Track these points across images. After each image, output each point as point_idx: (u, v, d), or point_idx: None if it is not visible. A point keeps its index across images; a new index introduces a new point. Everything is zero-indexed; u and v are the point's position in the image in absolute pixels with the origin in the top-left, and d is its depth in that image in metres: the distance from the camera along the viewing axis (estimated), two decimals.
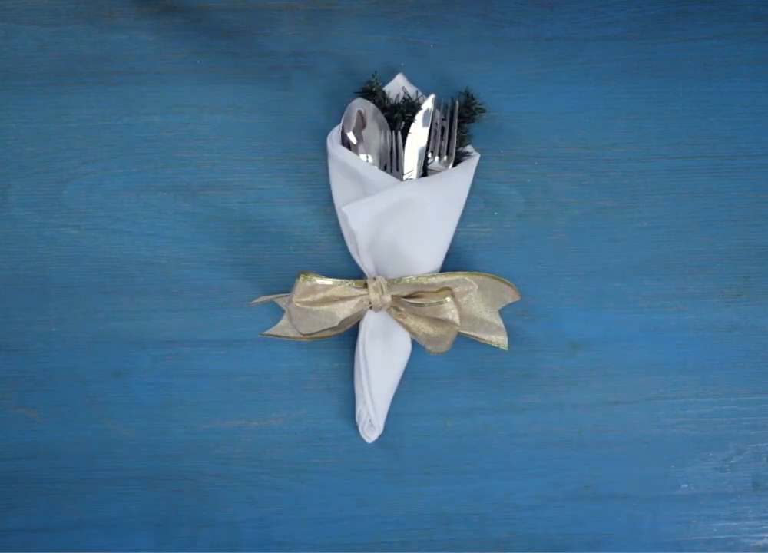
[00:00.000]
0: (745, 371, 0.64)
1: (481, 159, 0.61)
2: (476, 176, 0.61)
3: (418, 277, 0.57)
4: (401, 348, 0.60)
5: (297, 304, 0.56)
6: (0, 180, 0.61)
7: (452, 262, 0.62)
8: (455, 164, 0.59)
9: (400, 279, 0.57)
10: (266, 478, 0.63)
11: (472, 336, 0.60)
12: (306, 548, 0.63)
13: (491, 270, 0.62)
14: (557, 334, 0.63)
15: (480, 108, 0.60)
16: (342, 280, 0.56)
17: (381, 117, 0.58)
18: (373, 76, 0.59)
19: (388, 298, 0.56)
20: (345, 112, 0.57)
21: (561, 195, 0.63)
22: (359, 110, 0.57)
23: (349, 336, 0.61)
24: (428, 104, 0.58)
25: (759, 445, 0.64)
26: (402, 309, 0.57)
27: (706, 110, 0.63)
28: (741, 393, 0.64)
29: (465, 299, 0.58)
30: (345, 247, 0.61)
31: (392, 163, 0.58)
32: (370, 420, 0.60)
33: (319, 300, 0.56)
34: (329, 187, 0.61)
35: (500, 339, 0.60)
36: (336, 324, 0.57)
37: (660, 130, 0.62)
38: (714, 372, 0.64)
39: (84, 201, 0.61)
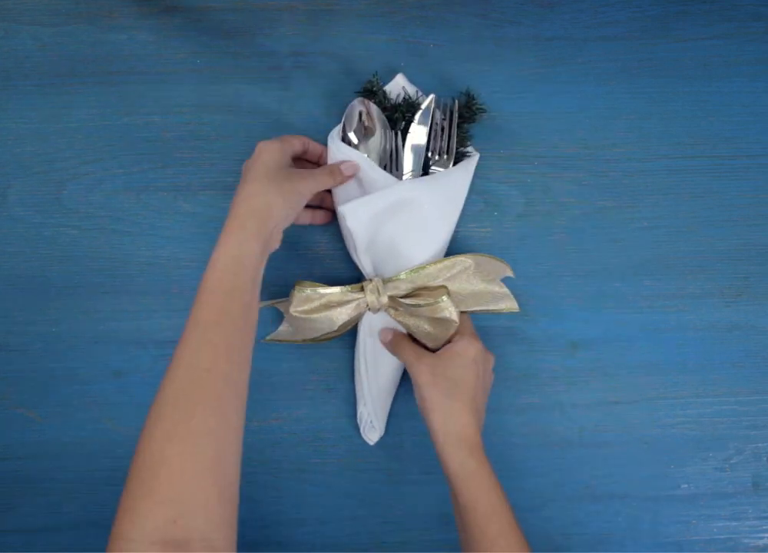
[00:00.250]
0: (745, 371, 0.64)
1: (481, 159, 0.61)
2: (476, 176, 0.61)
3: (413, 269, 0.56)
4: None
5: (294, 313, 0.56)
6: (0, 180, 0.61)
7: None
8: (455, 164, 0.59)
9: (397, 275, 0.56)
10: (266, 478, 0.63)
11: (483, 311, 0.58)
12: (306, 548, 0.63)
13: None
14: (557, 334, 0.63)
15: (480, 108, 0.60)
16: (338, 287, 0.56)
17: (381, 116, 0.58)
18: (374, 76, 0.59)
19: (385, 299, 0.56)
20: (346, 111, 0.57)
21: (561, 195, 0.63)
22: (359, 110, 0.57)
23: (349, 336, 0.61)
24: (427, 103, 0.58)
25: (759, 445, 0.64)
26: (401, 308, 0.56)
27: (706, 110, 0.63)
28: (741, 393, 0.64)
29: (464, 276, 0.58)
30: (345, 247, 0.61)
31: (391, 163, 0.58)
32: (371, 421, 0.60)
33: (316, 308, 0.56)
34: None
35: (510, 304, 0.59)
36: (336, 328, 0.57)
37: (660, 130, 0.62)
38: (714, 372, 0.64)
39: (84, 201, 0.61)
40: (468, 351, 0.53)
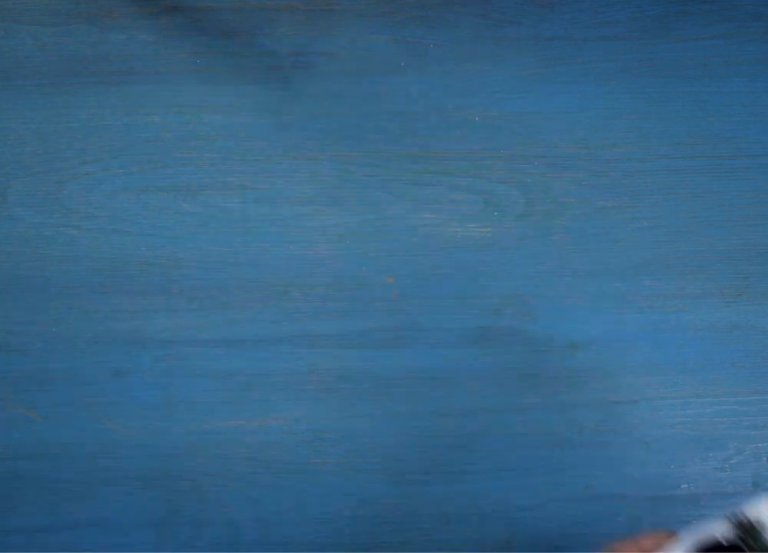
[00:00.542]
0: (745, 371, 0.64)
1: (481, 159, 0.61)
2: (476, 176, 0.61)
3: None
4: None
5: None
6: (0, 180, 0.61)
7: (450, 261, 0.62)
8: None
9: None
10: (266, 478, 0.63)
11: None
12: (306, 548, 0.63)
13: (491, 270, 0.62)
14: (557, 334, 0.63)
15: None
16: None
17: None
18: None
19: None
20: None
21: (561, 195, 0.63)
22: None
23: (348, 337, 0.61)
24: None
25: (759, 445, 0.64)
26: None
27: (706, 110, 0.63)
28: (741, 393, 0.64)
29: None
30: (343, 247, 0.61)
31: None
32: None
33: None
34: (328, 186, 0.61)
35: None
36: None
37: (660, 130, 0.62)
38: (714, 372, 0.64)
39: (84, 201, 0.61)
40: None
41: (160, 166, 0.61)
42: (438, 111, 0.63)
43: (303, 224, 0.62)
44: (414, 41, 0.62)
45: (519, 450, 0.63)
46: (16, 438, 0.62)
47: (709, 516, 0.64)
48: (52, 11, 0.60)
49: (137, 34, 0.61)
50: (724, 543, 0.38)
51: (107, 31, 0.61)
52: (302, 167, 0.63)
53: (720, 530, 0.40)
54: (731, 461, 0.64)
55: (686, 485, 0.64)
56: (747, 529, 0.39)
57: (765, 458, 0.64)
